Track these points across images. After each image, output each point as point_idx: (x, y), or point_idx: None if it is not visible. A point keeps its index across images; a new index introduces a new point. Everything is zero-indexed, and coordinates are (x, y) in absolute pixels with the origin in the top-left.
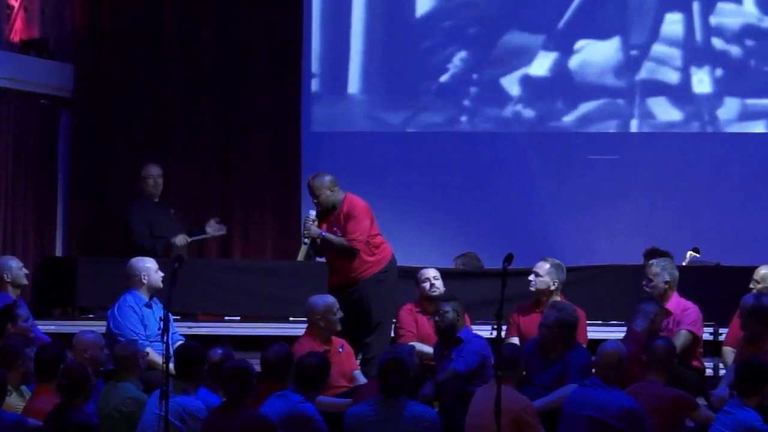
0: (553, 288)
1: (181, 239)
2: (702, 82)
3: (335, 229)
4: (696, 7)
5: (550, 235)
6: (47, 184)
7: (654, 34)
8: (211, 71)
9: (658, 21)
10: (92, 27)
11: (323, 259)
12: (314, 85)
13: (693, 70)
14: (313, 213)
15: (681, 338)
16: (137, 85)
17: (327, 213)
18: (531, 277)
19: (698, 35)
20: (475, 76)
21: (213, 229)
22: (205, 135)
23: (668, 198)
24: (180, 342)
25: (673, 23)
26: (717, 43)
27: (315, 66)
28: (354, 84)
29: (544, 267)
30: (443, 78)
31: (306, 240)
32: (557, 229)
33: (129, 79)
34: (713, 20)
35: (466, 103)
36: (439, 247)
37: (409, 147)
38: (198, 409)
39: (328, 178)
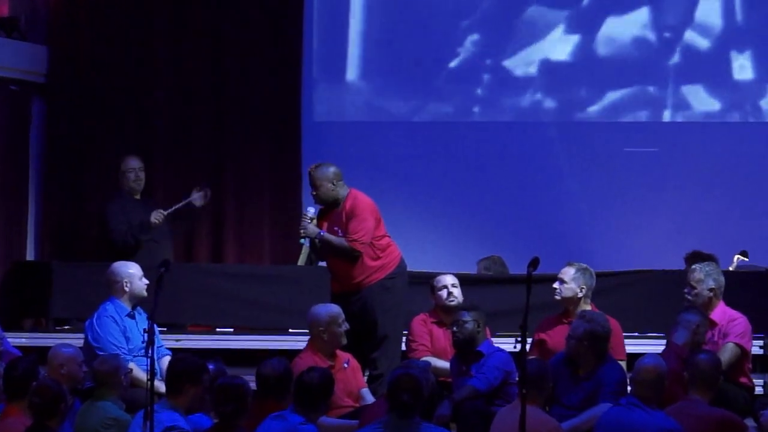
0: (580, 295)
1: (156, 215)
2: (743, 67)
3: (336, 228)
4: None
5: (579, 236)
6: (17, 179)
7: (689, 14)
8: (201, 55)
9: None
10: (68, 4)
11: (326, 264)
12: (315, 70)
13: (733, 54)
14: (311, 210)
15: (727, 352)
16: (118, 69)
17: (328, 210)
18: (555, 285)
19: (738, 15)
20: (488, 61)
21: (196, 198)
22: (193, 126)
23: (712, 196)
24: (167, 357)
25: (710, 2)
26: (759, 24)
27: (316, 50)
28: (357, 70)
29: (569, 272)
30: (453, 63)
31: (303, 240)
32: (587, 230)
33: (109, 63)
34: None
35: (479, 91)
36: (454, 249)
37: (418, 138)
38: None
39: (332, 170)
